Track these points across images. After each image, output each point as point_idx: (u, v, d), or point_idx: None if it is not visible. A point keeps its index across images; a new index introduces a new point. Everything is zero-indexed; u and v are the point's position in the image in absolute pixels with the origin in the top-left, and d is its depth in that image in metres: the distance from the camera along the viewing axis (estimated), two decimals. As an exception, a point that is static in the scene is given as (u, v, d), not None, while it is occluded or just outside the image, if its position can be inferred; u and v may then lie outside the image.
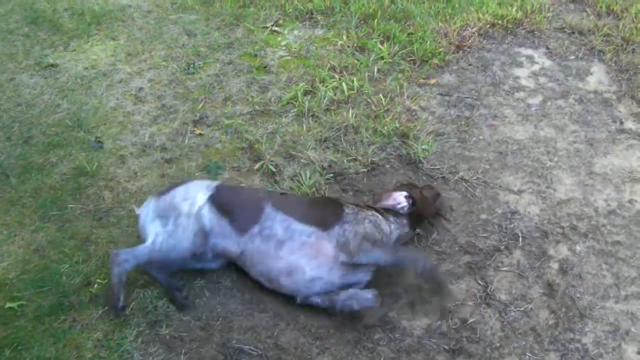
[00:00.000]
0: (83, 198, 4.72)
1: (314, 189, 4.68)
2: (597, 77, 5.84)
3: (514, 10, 6.58)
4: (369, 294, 3.85)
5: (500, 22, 6.47)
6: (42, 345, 3.82)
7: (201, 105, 5.52)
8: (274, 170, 4.86)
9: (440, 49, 6.06)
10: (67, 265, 4.25)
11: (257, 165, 4.92)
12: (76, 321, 3.95)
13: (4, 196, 4.75)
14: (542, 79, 5.79)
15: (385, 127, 5.13)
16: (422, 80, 5.75)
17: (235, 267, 4.19)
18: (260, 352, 3.78)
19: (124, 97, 5.66)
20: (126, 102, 5.60)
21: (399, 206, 4.17)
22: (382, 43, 6.13)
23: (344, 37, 6.30)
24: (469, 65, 5.97)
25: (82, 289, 4.11)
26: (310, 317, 3.96)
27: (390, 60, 5.94)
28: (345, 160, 4.90)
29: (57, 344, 3.83)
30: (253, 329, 3.90)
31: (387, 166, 4.88)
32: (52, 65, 6.07)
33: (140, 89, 5.75)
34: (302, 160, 4.93)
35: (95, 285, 4.12)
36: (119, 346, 3.81)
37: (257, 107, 5.47)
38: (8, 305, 4.03)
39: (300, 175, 4.78)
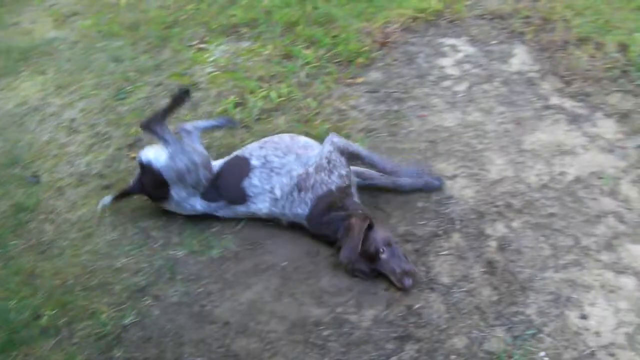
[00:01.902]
0: (25, 233, 4.74)
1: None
2: (520, 59, 5.96)
3: (433, 2, 6.68)
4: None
5: (421, 15, 6.58)
6: (-4, 383, 3.84)
7: (134, 129, 5.54)
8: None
9: (365, 48, 6.15)
10: (14, 302, 4.26)
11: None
12: (28, 355, 3.97)
13: (-55, 240, 4.74)
14: (467, 66, 5.91)
15: (317, 130, 5.20)
16: (349, 80, 5.84)
17: (181, 281, 4.26)
18: (213, 363, 3.84)
19: (57, 129, 5.68)
20: (60, 134, 5.61)
21: None
22: (307, 48, 6.21)
23: (270, 46, 6.37)
24: (395, 60, 6.06)
25: (32, 323, 4.13)
26: (259, 323, 4.01)
27: (317, 64, 6.01)
28: (281, 166, 4.96)
29: (11, 379, 3.85)
30: (204, 341, 3.94)
31: (323, 167, 4.95)
32: (-18, 106, 6.08)
33: (73, 119, 5.77)
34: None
35: (44, 318, 4.15)
36: (73, 375, 3.84)
37: (190, 125, 5.50)
38: (-42, 347, 4.04)
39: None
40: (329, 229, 4.33)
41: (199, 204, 4.60)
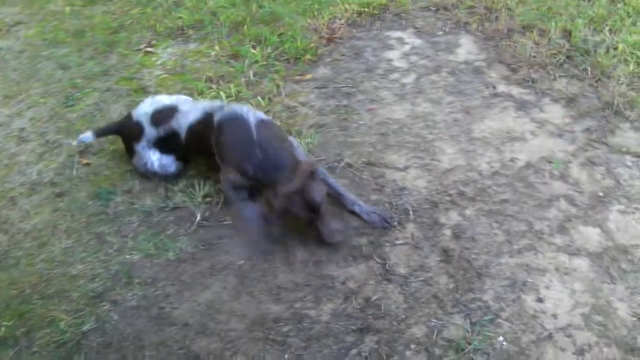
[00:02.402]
0: (-22, 245, 4.70)
1: (208, 198, 4.74)
2: (466, 48, 6.03)
3: (378, -4, 6.74)
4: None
5: (366, 9, 6.62)
6: (-45, 399, 3.80)
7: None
8: (166, 186, 4.92)
9: (312, 44, 6.17)
10: (-30, 314, 4.23)
11: (149, 185, 4.96)
12: (-13, 367, 3.95)
13: None
14: (414, 58, 5.96)
15: (268, 128, 5.21)
16: (297, 77, 5.85)
17: (138, 284, 4.26)
18: (174, 364, 3.84)
19: (6, 139, 5.62)
20: (9, 144, 5.56)
21: None
22: (254, 47, 6.21)
23: (217, 47, 6.36)
24: (342, 55, 6.10)
25: (-11, 335, 4.10)
26: (219, 322, 4.01)
27: (265, 63, 6.02)
28: (234, 166, 4.96)
29: (-31, 395, 3.82)
30: (164, 344, 3.94)
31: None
32: None
33: (22, 129, 5.71)
34: (191, 172, 4.98)
35: (2, 329, 4.11)
36: (33, 386, 3.83)
37: (140, 128, 5.48)
38: None
39: (193, 187, 4.84)
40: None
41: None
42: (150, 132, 4.82)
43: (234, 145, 4.37)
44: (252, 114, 4.46)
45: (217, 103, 4.78)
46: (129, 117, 5.00)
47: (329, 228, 4.21)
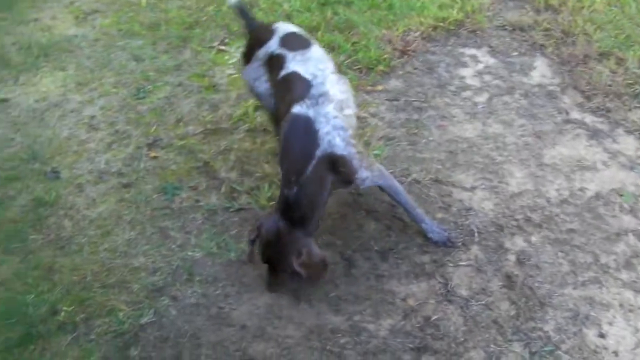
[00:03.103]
0: (44, 228, 4.75)
1: (272, 202, 4.74)
2: (541, 71, 5.97)
3: (454, 11, 6.68)
4: None
5: (442, 24, 6.57)
6: (12, 377, 3.85)
7: (154, 128, 5.57)
8: (232, 186, 4.93)
9: (385, 56, 6.15)
10: (32, 296, 4.27)
11: (215, 183, 4.99)
12: (45, 349, 3.98)
13: (-35, 233, 4.77)
14: (487, 77, 5.91)
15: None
16: (369, 88, 5.83)
17: (199, 282, 4.29)
18: (230, 366, 3.85)
19: (77, 126, 5.69)
20: (79, 131, 5.63)
21: None
22: (327, 54, 6.19)
23: (291, 50, 6.36)
24: (415, 69, 6.07)
25: (49, 318, 4.14)
26: (277, 328, 4.02)
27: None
28: (300, 171, 4.96)
29: (27, 374, 3.87)
30: (221, 344, 3.95)
31: (342, 174, 4.96)
32: (3, 100, 6.08)
33: (93, 117, 5.78)
34: (258, 175, 4.99)
35: (62, 313, 4.16)
36: (89, 372, 3.86)
37: (209, 126, 5.52)
38: (-24, 339, 4.06)
39: (258, 189, 4.85)
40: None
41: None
42: (273, 46, 4.57)
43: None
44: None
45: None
46: (268, 24, 4.90)
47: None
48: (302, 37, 4.64)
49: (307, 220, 3.89)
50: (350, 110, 4.23)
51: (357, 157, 4.01)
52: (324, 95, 4.04)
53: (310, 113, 3.95)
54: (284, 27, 4.71)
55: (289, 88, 4.22)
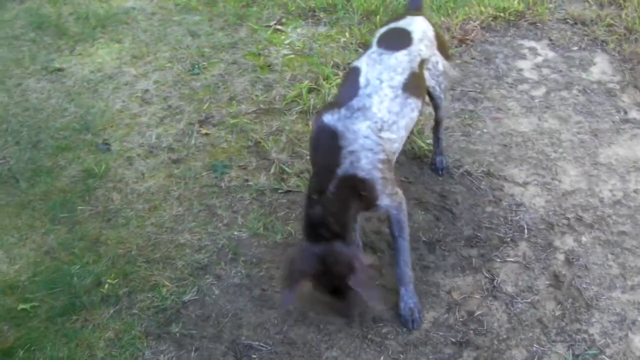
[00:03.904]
0: (92, 200, 4.79)
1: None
2: (601, 68, 5.85)
3: (515, 2, 6.57)
4: None
5: (502, 14, 6.47)
6: (54, 345, 3.88)
7: (206, 105, 5.57)
8: (282, 167, 4.92)
9: (443, 44, 6.08)
10: (77, 266, 4.31)
11: (265, 163, 4.98)
12: (87, 321, 4.01)
13: (15, 200, 4.82)
14: (545, 71, 5.81)
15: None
16: (426, 74, 5.77)
17: (243, 262, 4.29)
18: (270, 348, 3.84)
19: (130, 99, 5.71)
20: (132, 104, 5.65)
21: None
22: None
23: (347, 34, 6.31)
24: (472, 58, 5.99)
25: (93, 290, 4.18)
26: (319, 313, 3.99)
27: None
28: (351, 156, 4.93)
29: (69, 343, 3.89)
30: (262, 326, 3.95)
31: (393, 161, 4.92)
32: (58, 69, 6.13)
33: (146, 90, 5.80)
34: (308, 158, 4.95)
35: (106, 286, 4.19)
36: (130, 345, 3.87)
37: (262, 106, 5.52)
38: (21, 306, 4.10)
39: (308, 172, 4.82)
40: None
41: None
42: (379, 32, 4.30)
43: None
44: None
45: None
46: (407, 13, 4.56)
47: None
48: (405, 38, 4.11)
49: (340, 236, 3.53)
50: (394, 135, 3.79)
51: (381, 183, 3.67)
52: (362, 109, 3.69)
53: (339, 126, 3.62)
54: (409, 20, 4.30)
55: (341, 85, 4.11)
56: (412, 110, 3.91)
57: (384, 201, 3.74)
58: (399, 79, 3.85)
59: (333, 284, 3.51)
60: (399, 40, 4.08)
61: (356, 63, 4.00)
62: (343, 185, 3.56)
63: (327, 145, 3.65)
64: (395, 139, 3.81)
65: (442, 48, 4.38)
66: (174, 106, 5.59)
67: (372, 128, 3.65)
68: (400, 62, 3.92)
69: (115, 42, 6.45)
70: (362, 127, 3.62)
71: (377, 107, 3.71)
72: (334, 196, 3.53)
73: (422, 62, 4.10)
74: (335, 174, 3.55)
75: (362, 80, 3.81)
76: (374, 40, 4.11)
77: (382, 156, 3.66)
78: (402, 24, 4.27)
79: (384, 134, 3.71)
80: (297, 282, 3.51)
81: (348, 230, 3.59)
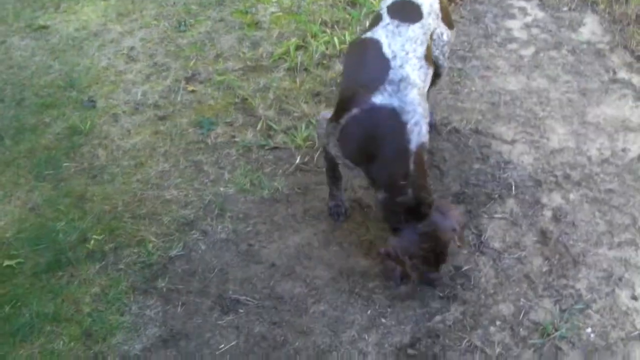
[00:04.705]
0: (77, 157, 4.76)
1: (309, 142, 4.70)
2: (590, 28, 5.82)
3: (506, -38, 6.53)
4: None
5: (492, -26, 6.44)
6: (40, 301, 3.88)
7: (193, 62, 5.52)
8: (269, 124, 4.89)
9: (432, 2, 6.03)
10: (63, 223, 4.30)
11: (251, 120, 4.95)
12: (74, 276, 4.01)
13: (-1, 157, 4.78)
14: (535, 30, 5.77)
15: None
16: (413, 34, 5.73)
17: (230, 218, 4.28)
18: (257, 303, 3.84)
19: (116, 56, 5.66)
20: (118, 62, 5.60)
21: None
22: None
23: (336, -9, 6.27)
24: (461, 17, 5.94)
25: (79, 245, 4.17)
26: (306, 268, 4.01)
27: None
28: (338, 114, 4.90)
29: (55, 299, 3.90)
30: (249, 280, 3.95)
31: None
32: (43, 27, 6.06)
33: (132, 48, 5.74)
34: (295, 114, 4.94)
35: (92, 242, 4.19)
36: (117, 300, 3.88)
37: (248, 63, 5.47)
38: (6, 263, 4.09)
39: (295, 129, 4.81)
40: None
41: None
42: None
43: None
44: None
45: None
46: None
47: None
48: (415, 11, 4.00)
49: (430, 206, 3.61)
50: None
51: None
52: (404, 80, 3.63)
53: (395, 103, 3.57)
54: None
55: (358, 59, 3.94)
56: (430, 80, 3.99)
57: None
58: (421, 50, 3.82)
59: (437, 256, 3.63)
60: (410, 12, 3.97)
61: (371, 35, 3.87)
62: (419, 159, 3.57)
63: (391, 126, 3.57)
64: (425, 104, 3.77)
65: (446, 18, 4.28)
66: (159, 63, 5.54)
67: (421, 95, 3.68)
68: (417, 34, 3.84)
69: (101, 0, 6.37)
70: (415, 96, 3.60)
71: (413, 76, 3.68)
72: (416, 172, 3.55)
73: (431, 34, 4.05)
74: (410, 151, 3.53)
75: (387, 52, 3.73)
76: (384, 12, 3.98)
77: (425, 123, 3.65)
78: None
79: (423, 102, 3.71)
80: (402, 279, 3.65)
81: (431, 195, 3.67)
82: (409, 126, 3.52)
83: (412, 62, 3.71)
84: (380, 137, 3.58)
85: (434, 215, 3.58)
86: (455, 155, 4.58)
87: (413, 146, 3.52)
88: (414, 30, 3.84)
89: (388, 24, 3.87)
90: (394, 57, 3.70)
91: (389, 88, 3.58)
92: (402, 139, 3.53)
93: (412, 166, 3.51)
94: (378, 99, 3.56)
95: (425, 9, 4.00)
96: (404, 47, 3.75)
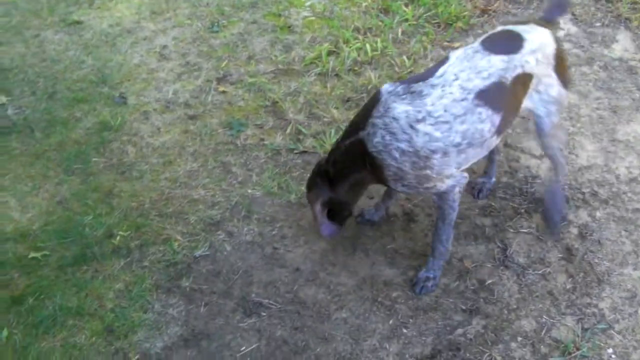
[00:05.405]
0: (107, 152, 4.80)
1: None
2: (623, 45, 5.79)
3: (541, -25, 6.52)
4: None
5: (526, -13, 6.42)
6: (64, 295, 3.92)
7: (225, 63, 5.55)
8: (299, 128, 4.91)
9: (465, 13, 6.01)
10: (90, 217, 4.34)
11: (282, 123, 4.97)
12: (98, 272, 4.05)
13: (29, 149, 4.84)
14: (567, 45, 5.74)
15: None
16: (446, 43, 5.72)
17: (256, 220, 4.30)
18: (279, 307, 3.85)
19: (148, 54, 5.70)
20: (150, 59, 5.64)
21: None
22: (406, 5, 6.09)
23: (369, -2, 6.28)
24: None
25: (105, 241, 4.21)
26: (330, 274, 4.02)
27: (415, 23, 5.90)
28: (367, 121, 4.91)
29: (79, 293, 3.93)
30: (272, 284, 3.97)
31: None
32: (76, 22, 6.12)
33: (165, 46, 5.78)
34: (325, 119, 4.95)
35: (118, 237, 4.22)
36: (140, 297, 3.91)
37: (280, 66, 5.49)
38: (32, 255, 4.13)
39: (324, 134, 4.82)
40: None
41: None
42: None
43: None
44: None
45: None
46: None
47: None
48: (513, 44, 3.70)
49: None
50: (438, 133, 3.47)
51: (385, 166, 3.65)
52: (415, 94, 3.51)
53: (385, 97, 3.54)
54: (530, 28, 3.84)
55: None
56: (482, 121, 3.53)
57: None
58: (478, 82, 3.52)
59: None
60: (506, 44, 3.70)
61: (451, 53, 3.69)
62: (347, 147, 3.66)
63: (365, 107, 3.67)
64: (439, 138, 3.46)
65: (561, 71, 3.87)
66: (192, 63, 5.57)
67: (408, 114, 3.46)
68: (490, 66, 3.56)
69: (135, -3, 6.43)
70: (399, 108, 3.47)
71: (432, 100, 3.47)
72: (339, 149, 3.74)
73: (526, 78, 3.68)
74: (357, 135, 3.58)
75: (440, 70, 3.57)
76: (481, 37, 3.82)
77: (403, 146, 3.47)
78: (520, 29, 3.82)
79: (421, 126, 3.45)
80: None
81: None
82: (370, 119, 3.55)
83: (450, 89, 3.49)
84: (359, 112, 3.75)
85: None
86: (482, 167, 4.57)
87: (361, 134, 3.56)
88: (491, 61, 3.58)
89: (471, 47, 3.67)
90: (441, 76, 3.55)
91: (400, 88, 3.55)
92: (360, 122, 3.60)
93: (341, 142, 3.71)
94: (386, 87, 3.60)
95: (528, 46, 3.69)
96: (459, 73, 3.54)
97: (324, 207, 3.86)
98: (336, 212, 3.95)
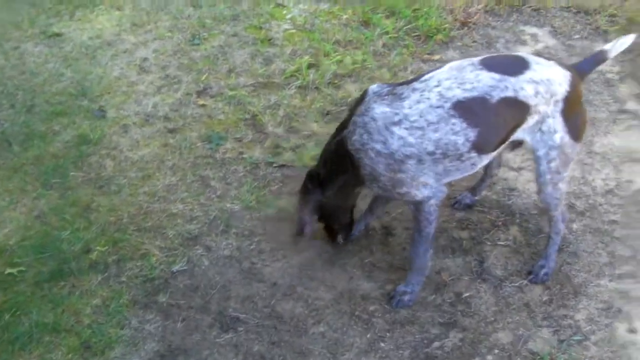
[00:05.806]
0: (85, 166, 4.79)
1: (315, 161, 4.71)
2: (601, 57, 5.83)
3: (520, -12, 6.55)
4: None
5: (506, -1, 6.46)
6: (41, 311, 3.90)
7: (205, 76, 5.56)
8: (277, 142, 4.93)
9: (446, 25, 6.05)
10: (67, 232, 4.33)
11: (261, 137, 4.98)
12: (75, 287, 4.03)
13: (7, 163, 4.82)
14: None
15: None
16: (426, 56, 5.75)
17: (235, 234, 4.31)
18: (257, 321, 3.85)
19: (128, 67, 5.70)
20: (130, 72, 5.64)
21: None
22: (387, 18, 6.12)
23: (349, 11, 6.27)
24: (474, 42, 5.96)
25: (82, 256, 4.20)
26: (307, 288, 4.03)
27: (395, 35, 5.93)
28: (346, 134, 4.92)
29: (56, 309, 3.92)
30: (250, 299, 3.97)
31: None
32: (57, 34, 6.11)
33: (145, 59, 5.78)
34: (304, 133, 4.97)
35: (95, 253, 4.21)
36: (117, 313, 3.90)
37: (260, 79, 5.50)
38: (8, 271, 4.11)
39: (303, 147, 4.84)
40: None
41: None
42: None
43: None
44: None
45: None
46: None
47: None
48: (514, 68, 3.55)
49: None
50: (412, 139, 3.46)
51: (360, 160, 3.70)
52: (396, 96, 3.53)
53: (370, 96, 3.58)
54: (546, 64, 3.65)
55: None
56: (455, 133, 3.45)
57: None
58: (458, 92, 3.44)
59: None
60: (506, 65, 3.60)
61: (449, 64, 3.65)
62: (335, 145, 3.73)
63: (352, 105, 3.77)
64: (413, 144, 3.46)
65: (570, 117, 3.66)
66: (172, 76, 5.58)
67: (386, 115, 3.48)
68: (478, 80, 3.46)
69: (116, 9, 6.42)
70: (378, 108, 3.50)
71: (410, 103, 3.47)
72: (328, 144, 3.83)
73: (519, 105, 3.51)
74: (342, 133, 3.66)
75: (427, 75, 3.57)
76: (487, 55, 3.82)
77: (378, 147, 3.49)
78: (534, 59, 3.67)
79: (397, 129, 3.46)
80: None
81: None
82: (353, 117, 3.62)
83: (428, 94, 3.46)
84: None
85: None
86: (461, 181, 4.55)
87: (344, 132, 3.63)
88: (480, 76, 3.49)
89: (468, 61, 3.63)
90: (425, 81, 3.53)
91: (385, 88, 3.62)
92: (345, 121, 3.69)
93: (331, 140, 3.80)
94: (373, 86, 3.69)
95: (530, 75, 3.53)
96: (443, 80, 3.49)
97: (313, 213, 3.93)
98: (334, 220, 4.07)
